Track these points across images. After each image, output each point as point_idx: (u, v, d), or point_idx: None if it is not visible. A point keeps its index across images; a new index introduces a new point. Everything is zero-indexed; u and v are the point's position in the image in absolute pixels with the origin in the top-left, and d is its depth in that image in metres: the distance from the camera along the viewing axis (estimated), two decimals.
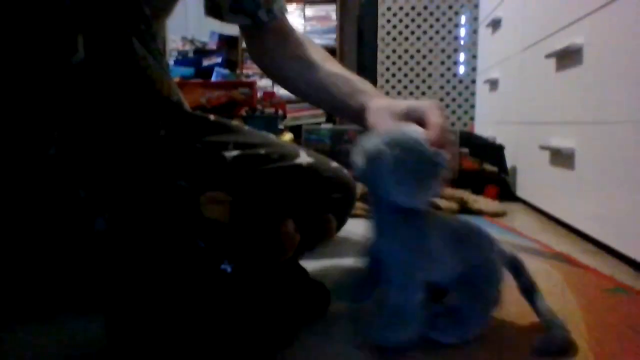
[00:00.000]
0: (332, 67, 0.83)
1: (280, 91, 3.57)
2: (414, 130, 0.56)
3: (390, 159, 0.52)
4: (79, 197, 0.67)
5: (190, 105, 0.90)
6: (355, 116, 0.77)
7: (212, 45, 3.80)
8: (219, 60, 3.67)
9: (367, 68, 3.14)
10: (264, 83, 3.63)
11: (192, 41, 3.68)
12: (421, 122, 0.64)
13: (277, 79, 0.90)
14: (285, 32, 0.87)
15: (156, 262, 0.56)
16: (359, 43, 3.53)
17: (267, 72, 0.91)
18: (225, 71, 3.61)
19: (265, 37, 0.87)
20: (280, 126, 2.68)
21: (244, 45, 3.61)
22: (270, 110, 2.64)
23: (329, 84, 0.81)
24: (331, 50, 3.59)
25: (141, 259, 0.57)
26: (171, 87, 0.86)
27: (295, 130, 2.63)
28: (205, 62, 3.63)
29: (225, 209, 0.56)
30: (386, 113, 0.71)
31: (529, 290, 0.62)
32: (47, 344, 0.59)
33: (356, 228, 0.86)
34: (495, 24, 1.98)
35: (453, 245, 0.57)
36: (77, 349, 0.57)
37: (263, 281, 0.56)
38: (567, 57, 1.17)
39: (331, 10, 3.63)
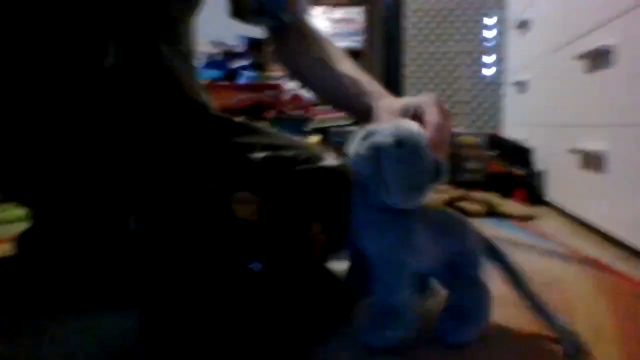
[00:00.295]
0: (344, 67, 0.83)
1: (307, 93, 3.59)
2: (414, 130, 0.55)
3: (394, 158, 0.52)
4: (114, 198, 0.69)
5: (219, 107, 0.91)
6: (362, 117, 0.78)
7: (240, 48, 3.84)
8: (246, 63, 3.70)
9: (393, 71, 3.13)
10: (291, 85, 3.65)
11: (220, 44, 3.72)
12: (420, 119, 0.63)
13: (297, 78, 0.91)
14: (307, 32, 0.88)
15: (188, 261, 0.57)
16: (386, 46, 3.52)
17: (288, 71, 0.92)
18: (253, 74, 3.65)
19: (289, 38, 0.88)
20: (307, 129, 2.69)
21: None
22: (297, 113, 2.65)
23: (339, 84, 0.81)
24: (357, 53, 3.59)
25: (174, 258, 0.58)
26: (198, 88, 0.88)
27: (322, 132, 2.63)
28: (233, 65, 3.67)
29: (253, 209, 0.57)
30: (385, 112, 0.71)
31: (512, 273, 0.62)
32: (83, 336, 0.61)
33: None
34: (524, 25, 1.96)
35: (436, 235, 0.57)
36: (111, 343, 0.59)
37: (292, 280, 0.57)
38: (599, 59, 1.15)
39: (358, 13, 3.63)
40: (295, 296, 0.56)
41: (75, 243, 0.72)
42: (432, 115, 0.62)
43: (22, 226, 0.82)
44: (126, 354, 0.56)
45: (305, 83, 0.90)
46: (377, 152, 0.52)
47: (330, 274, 0.65)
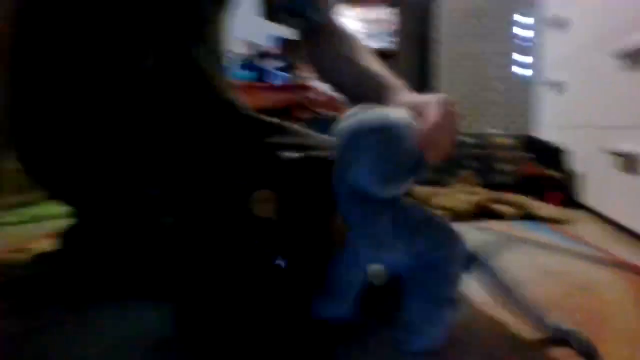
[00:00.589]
0: (366, 64, 0.84)
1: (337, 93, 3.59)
2: (399, 120, 0.54)
3: (369, 143, 0.51)
4: (149, 194, 0.71)
5: (253, 108, 0.93)
6: None
7: (273, 49, 3.88)
8: (280, 64, 3.74)
9: (425, 71, 3.11)
10: (323, 86, 3.67)
11: (254, 45, 3.77)
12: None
13: (323, 76, 0.92)
14: (335, 32, 0.90)
15: (219, 258, 0.58)
16: (418, 46, 3.50)
17: (315, 70, 0.93)
18: (286, 75, 3.68)
19: (318, 38, 0.89)
20: None
21: None
22: (328, 113, 2.66)
23: (360, 80, 0.82)
24: (390, 54, 3.58)
25: (206, 256, 0.60)
26: (230, 88, 0.90)
27: None
28: (266, 66, 3.70)
29: (273, 207, 0.58)
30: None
31: (499, 283, 0.61)
32: (122, 327, 0.63)
33: None
34: (561, 24, 1.91)
35: (406, 234, 0.55)
36: (150, 334, 0.61)
37: (317, 274, 0.57)
38: None
39: (390, 13, 3.62)
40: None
41: (114, 238, 0.75)
42: (432, 114, 0.61)
43: (62, 223, 0.86)
44: (164, 344, 0.58)
45: (330, 80, 0.91)
46: (353, 135, 0.52)
47: None
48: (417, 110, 0.63)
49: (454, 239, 0.58)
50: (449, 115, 0.61)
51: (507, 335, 0.61)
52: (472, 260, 0.60)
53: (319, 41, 0.89)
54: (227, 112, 0.84)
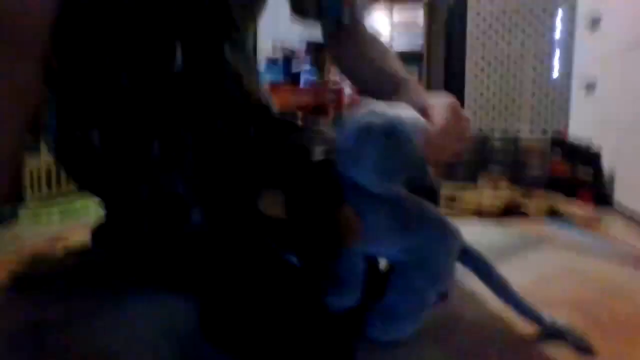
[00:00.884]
0: (384, 64, 0.84)
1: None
2: (407, 120, 0.54)
3: (374, 145, 0.52)
4: (178, 192, 0.72)
5: (280, 109, 0.94)
6: None
7: (301, 51, 3.91)
8: (307, 66, 3.76)
9: (455, 74, 3.09)
10: (350, 87, 3.67)
11: (281, 47, 3.80)
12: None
13: (346, 75, 0.94)
14: (361, 34, 0.90)
15: (240, 255, 0.59)
16: (447, 48, 3.47)
17: (339, 70, 0.96)
18: (313, 77, 3.70)
19: (343, 39, 0.90)
20: None
21: None
22: None
23: (378, 82, 0.83)
24: (418, 56, 3.57)
25: (230, 254, 0.61)
26: (259, 90, 0.91)
27: None
28: (294, 68, 3.73)
29: (281, 206, 0.58)
30: None
31: (494, 283, 0.61)
32: (146, 321, 0.65)
33: None
34: (595, 23, 1.88)
35: (399, 229, 0.56)
36: (174, 327, 0.63)
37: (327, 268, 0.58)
38: None
39: (419, 15, 3.60)
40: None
41: (143, 233, 0.77)
42: (438, 117, 0.61)
43: (95, 216, 0.88)
44: (188, 338, 0.60)
45: (351, 79, 0.93)
46: (361, 134, 0.53)
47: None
48: (425, 113, 0.63)
49: (448, 234, 0.59)
50: (456, 119, 0.61)
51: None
52: (466, 255, 0.61)
53: (343, 41, 0.90)
54: (257, 112, 0.85)
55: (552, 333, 0.58)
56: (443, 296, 0.59)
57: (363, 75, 0.88)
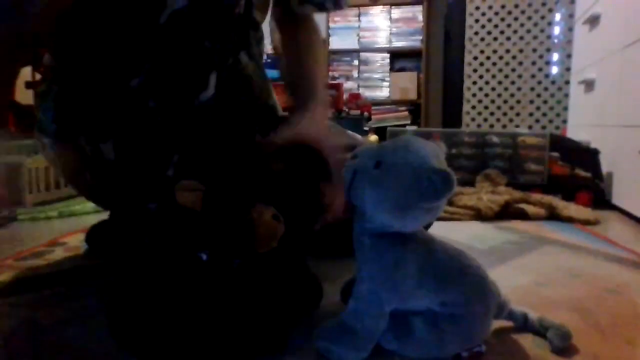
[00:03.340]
0: (311, 72, 0.85)
1: (366, 93, 3.59)
2: (393, 148, 0.52)
3: (370, 179, 0.51)
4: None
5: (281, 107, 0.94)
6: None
7: None
8: None
9: (453, 70, 3.09)
10: (350, 85, 3.67)
11: None
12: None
13: (281, 67, 0.93)
14: (313, 28, 0.91)
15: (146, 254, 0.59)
16: (446, 44, 3.46)
17: (280, 56, 0.93)
18: None
19: (296, 27, 0.90)
20: (366, 128, 2.70)
21: (330, 47, 3.69)
22: (356, 112, 2.67)
23: (299, 84, 0.84)
24: (417, 52, 3.56)
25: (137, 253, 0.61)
26: (268, 91, 0.91)
27: (380, 132, 2.64)
28: None
29: (197, 197, 0.56)
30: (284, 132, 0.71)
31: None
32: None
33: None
34: (593, 21, 1.88)
35: (432, 282, 0.52)
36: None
37: (254, 272, 0.56)
38: None
39: (418, 12, 3.59)
40: (257, 287, 0.56)
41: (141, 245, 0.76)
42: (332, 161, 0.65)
43: (92, 217, 0.88)
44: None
45: (282, 68, 0.92)
46: (355, 175, 0.52)
47: (296, 265, 0.64)
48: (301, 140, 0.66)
49: (487, 292, 0.55)
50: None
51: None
52: (502, 310, 0.59)
53: (294, 32, 0.90)
54: (265, 114, 0.85)
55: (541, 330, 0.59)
56: (475, 354, 0.54)
57: (291, 75, 0.87)
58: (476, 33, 2.82)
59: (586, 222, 1.32)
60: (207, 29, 0.74)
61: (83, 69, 0.75)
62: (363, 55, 3.72)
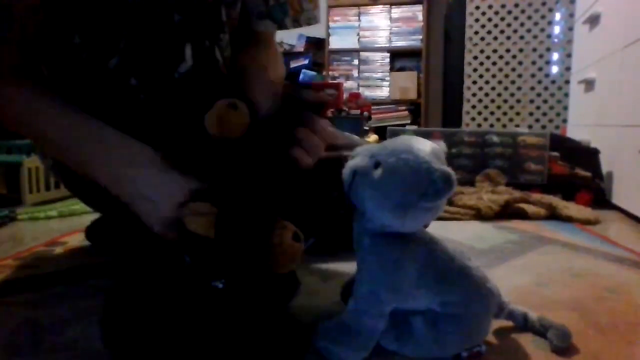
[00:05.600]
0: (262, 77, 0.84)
1: (366, 92, 3.60)
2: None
3: (369, 179, 0.50)
4: None
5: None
6: None
7: (300, 47, 3.90)
8: (306, 62, 3.76)
9: (453, 69, 3.09)
10: (350, 84, 3.67)
11: (280, 44, 3.79)
12: None
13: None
14: (270, 43, 0.91)
15: (152, 279, 0.56)
16: (446, 44, 3.46)
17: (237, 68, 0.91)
18: (312, 73, 3.69)
19: (252, 45, 0.89)
20: (366, 127, 2.70)
21: (330, 47, 3.69)
22: (356, 112, 2.67)
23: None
24: (417, 52, 3.56)
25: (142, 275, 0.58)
26: (267, 87, 0.91)
27: (380, 131, 2.63)
28: (293, 64, 3.73)
29: (209, 222, 0.52)
30: None
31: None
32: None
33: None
34: (593, 20, 1.88)
35: (431, 282, 0.52)
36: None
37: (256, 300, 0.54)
38: None
39: (417, 11, 3.59)
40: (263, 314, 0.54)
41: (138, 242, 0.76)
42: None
43: (91, 216, 0.88)
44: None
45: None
46: (355, 175, 0.51)
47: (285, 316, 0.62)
48: None
49: (488, 293, 0.55)
50: None
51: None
52: (503, 309, 0.59)
53: (249, 47, 0.89)
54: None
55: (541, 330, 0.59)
56: (475, 353, 0.54)
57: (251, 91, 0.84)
58: (476, 32, 2.82)
59: (586, 222, 1.32)
60: (174, 3, 0.74)
61: (60, 57, 0.74)
62: (363, 54, 3.71)
